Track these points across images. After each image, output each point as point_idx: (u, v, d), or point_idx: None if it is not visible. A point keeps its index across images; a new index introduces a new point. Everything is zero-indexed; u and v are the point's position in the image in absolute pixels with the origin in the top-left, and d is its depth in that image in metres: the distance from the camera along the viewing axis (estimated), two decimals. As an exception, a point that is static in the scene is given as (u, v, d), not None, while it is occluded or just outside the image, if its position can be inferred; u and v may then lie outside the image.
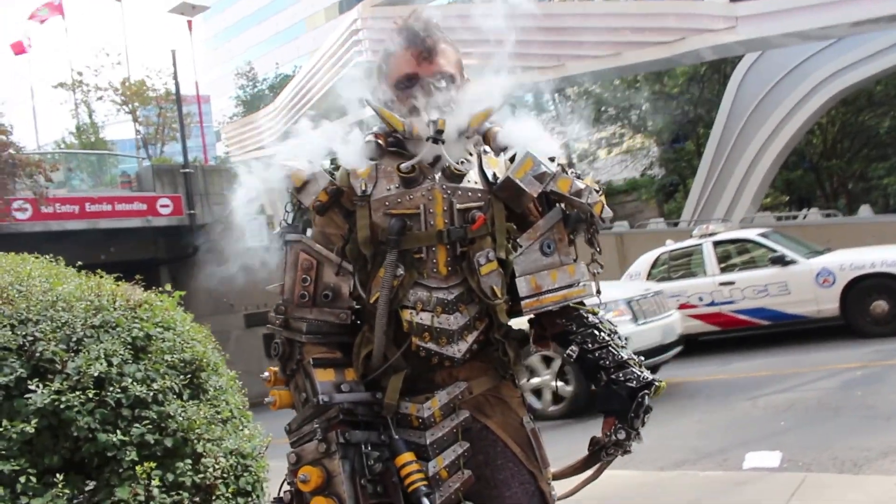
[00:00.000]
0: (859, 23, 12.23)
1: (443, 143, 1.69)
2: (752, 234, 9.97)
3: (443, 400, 1.73)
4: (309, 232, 1.86)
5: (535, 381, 6.89)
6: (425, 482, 1.62)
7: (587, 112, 27.48)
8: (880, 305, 8.60)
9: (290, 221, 1.80)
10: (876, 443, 4.66)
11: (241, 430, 2.41)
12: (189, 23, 20.90)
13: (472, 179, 1.76)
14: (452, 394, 1.74)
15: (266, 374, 1.80)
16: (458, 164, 1.74)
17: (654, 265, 10.26)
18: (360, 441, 1.64)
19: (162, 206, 18.29)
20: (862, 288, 8.59)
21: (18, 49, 26.95)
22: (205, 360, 2.45)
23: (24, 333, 2.15)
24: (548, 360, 6.84)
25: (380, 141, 1.74)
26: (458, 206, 1.73)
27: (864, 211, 15.91)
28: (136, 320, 2.38)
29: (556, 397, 6.86)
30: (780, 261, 9.07)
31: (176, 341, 2.43)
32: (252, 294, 16.05)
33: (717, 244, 9.75)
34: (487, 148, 1.82)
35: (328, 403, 1.64)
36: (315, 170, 1.76)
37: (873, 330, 8.49)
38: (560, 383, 6.85)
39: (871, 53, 15.09)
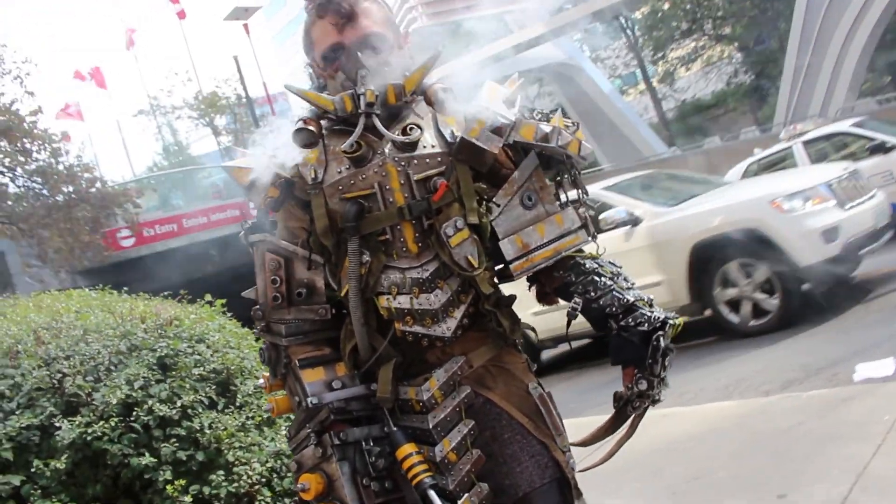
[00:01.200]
0: None
1: (376, 115, 1.55)
2: (844, 125, 9.25)
3: (441, 379, 1.61)
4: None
5: (732, 292, 6.09)
6: (429, 473, 1.52)
7: (660, 33, 26.33)
8: None
9: (251, 222, 1.73)
10: None
11: (281, 431, 2.40)
12: (245, 26, 21.25)
13: (429, 143, 1.61)
14: (450, 370, 1.62)
15: (261, 381, 1.75)
16: (408, 129, 1.61)
17: (743, 177, 9.68)
18: (359, 438, 1.56)
19: (253, 208, 18.86)
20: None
21: (99, 81, 28.16)
22: (236, 368, 2.44)
23: (54, 371, 2.19)
24: (748, 269, 6.04)
25: (310, 126, 1.59)
26: (416, 176, 1.58)
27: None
28: (163, 339, 2.39)
29: (758, 310, 6.07)
30: (881, 149, 8.34)
31: (206, 353, 2.42)
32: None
33: (807, 144, 9.09)
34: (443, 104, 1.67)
35: (318, 405, 1.57)
36: (261, 163, 1.67)
37: None
38: (763, 295, 5.99)
39: None
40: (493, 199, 1.60)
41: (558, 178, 1.71)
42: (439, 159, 1.60)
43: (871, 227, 6.18)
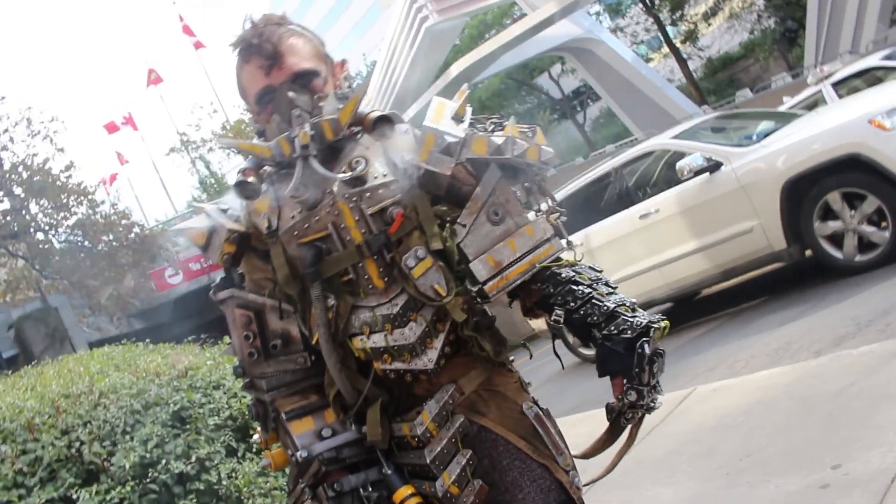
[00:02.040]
0: None
1: (314, 157, 1.50)
2: (874, 59, 8.88)
3: (433, 410, 1.55)
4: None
5: (835, 225, 5.64)
6: None
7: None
8: None
9: (220, 278, 1.70)
10: None
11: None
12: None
13: (379, 173, 1.55)
14: (442, 400, 1.57)
15: (256, 436, 1.73)
16: (353, 163, 1.56)
17: (774, 130, 9.36)
18: (356, 486, 1.53)
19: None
20: None
21: (132, 124, 28.80)
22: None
23: (73, 440, 2.21)
24: (852, 200, 5.55)
25: (249, 178, 1.55)
26: (370, 210, 1.52)
27: None
28: (177, 391, 2.40)
29: (866, 244, 5.57)
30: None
31: (222, 400, 2.42)
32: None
33: (838, 85, 8.74)
34: (388, 132, 1.61)
35: (308, 459, 1.54)
36: (214, 220, 1.64)
37: None
38: (871, 228, 5.54)
39: None
40: (458, 220, 1.53)
41: (527, 186, 1.64)
42: (392, 188, 1.53)
43: None
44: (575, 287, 1.55)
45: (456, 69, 23.66)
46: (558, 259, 1.59)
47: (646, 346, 1.48)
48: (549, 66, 32.82)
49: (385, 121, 1.56)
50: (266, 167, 1.60)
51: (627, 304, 1.54)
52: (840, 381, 3.62)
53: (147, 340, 3.44)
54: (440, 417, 1.55)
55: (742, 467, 3.20)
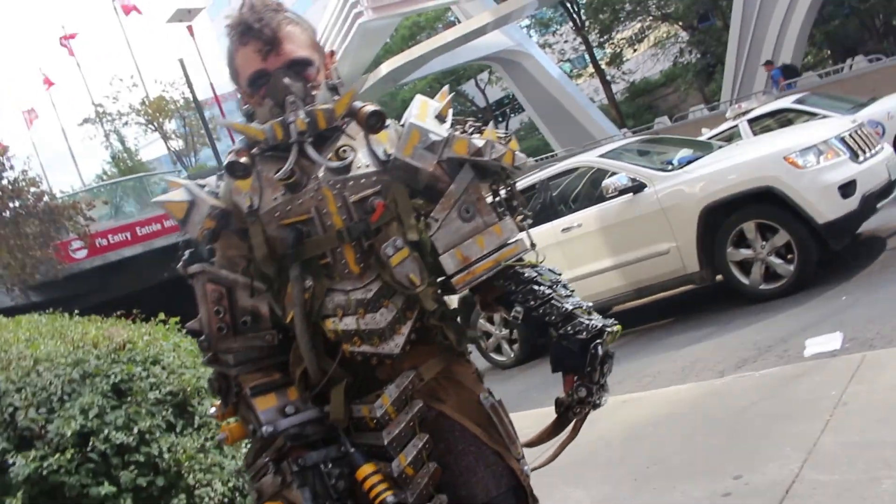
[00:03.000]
0: None
1: (309, 142, 1.57)
2: (787, 102, 9.46)
3: (393, 394, 1.62)
4: None
5: (746, 253, 5.92)
6: (390, 491, 1.55)
7: (606, 15, 26.53)
8: (938, 148, 8.04)
9: (186, 255, 1.71)
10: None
11: (242, 449, 2.40)
12: (189, 28, 20.87)
13: (363, 163, 1.61)
14: (402, 385, 1.64)
15: (213, 409, 1.75)
16: (340, 152, 1.62)
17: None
18: (318, 461, 1.57)
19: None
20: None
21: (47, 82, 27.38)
22: (192, 388, 2.43)
23: (6, 404, 2.16)
24: (765, 231, 5.87)
25: (242, 158, 1.57)
26: (353, 198, 1.58)
27: (914, 46, 14.92)
28: (117, 363, 2.37)
29: (772, 274, 5.91)
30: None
31: (162, 376, 2.41)
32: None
33: (753, 122, 9.28)
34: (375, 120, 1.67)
35: (273, 433, 1.58)
36: (195, 195, 1.66)
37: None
38: (779, 260, 5.84)
39: None
40: (431, 215, 1.62)
41: (494, 188, 1.73)
42: (374, 179, 1.60)
43: (884, 179, 6.09)
44: (536, 287, 1.66)
45: (386, 68, 23.65)
46: (521, 259, 1.70)
47: (599, 347, 1.61)
48: (476, 73, 33.21)
49: (378, 115, 1.62)
50: (255, 149, 1.63)
51: (584, 308, 1.66)
52: (742, 399, 3.89)
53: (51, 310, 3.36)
54: (399, 402, 1.62)
55: (650, 474, 3.40)
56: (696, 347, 5.50)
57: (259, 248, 1.60)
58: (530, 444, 1.77)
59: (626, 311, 7.53)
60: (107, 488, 2.04)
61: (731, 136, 9.59)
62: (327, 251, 1.59)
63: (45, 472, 2.00)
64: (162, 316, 3.00)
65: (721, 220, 6.09)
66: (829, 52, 22.33)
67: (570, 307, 1.64)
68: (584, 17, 28.14)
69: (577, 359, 1.62)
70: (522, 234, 1.71)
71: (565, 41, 31.19)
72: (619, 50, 28.59)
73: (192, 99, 20.78)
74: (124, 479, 2.08)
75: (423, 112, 1.67)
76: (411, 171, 1.61)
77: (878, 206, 6.03)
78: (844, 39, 21.38)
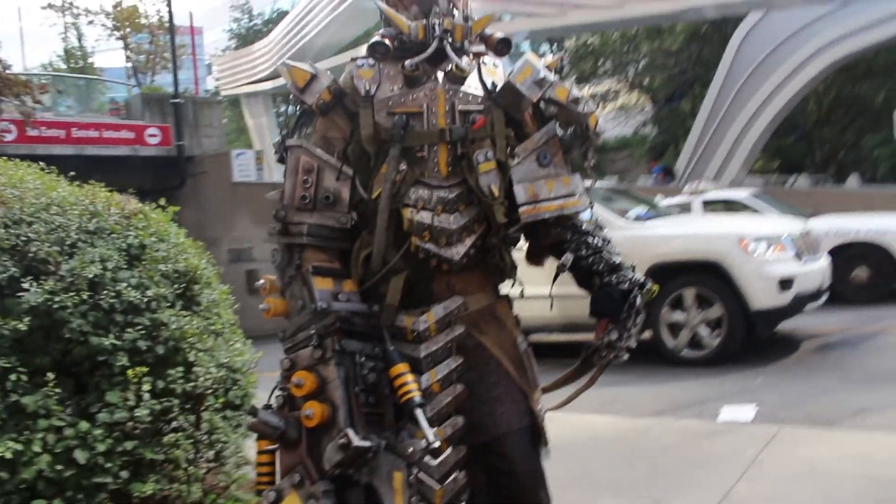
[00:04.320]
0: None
1: (449, 43, 1.71)
2: (742, 194, 10.00)
3: (439, 314, 1.74)
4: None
5: (678, 317, 6.23)
6: (419, 393, 1.63)
7: (585, 65, 27.25)
8: (861, 273, 8.69)
9: (290, 127, 1.80)
10: (848, 402, 4.77)
11: (232, 344, 2.42)
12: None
13: (473, 85, 1.79)
14: (449, 308, 1.76)
15: (261, 281, 1.80)
16: (458, 67, 1.74)
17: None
18: (356, 350, 1.66)
19: (150, 135, 18.02)
20: (845, 255, 8.65)
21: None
22: (198, 273, 2.44)
23: (17, 233, 2.12)
24: (702, 301, 6.21)
25: (387, 41, 1.74)
26: (460, 107, 1.75)
27: (853, 180, 15.98)
28: (131, 228, 2.36)
29: (697, 343, 6.23)
30: None
31: (170, 252, 2.41)
32: (236, 229, 15.96)
33: (706, 203, 9.76)
34: (486, 59, 1.84)
35: (326, 310, 1.65)
36: (318, 71, 1.78)
37: (853, 296, 8.57)
38: (707, 331, 6.20)
39: (873, 21, 14.93)
40: (515, 149, 1.78)
41: (570, 154, 1.87)
42: (480, 100, 1.77)
43: (817, 285, 6.55)
44: (590, 239, 1.85)
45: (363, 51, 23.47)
46: (579, 213, 1.85)
47: (637, 298, 1.76)
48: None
49: (506, 42, 1.82)
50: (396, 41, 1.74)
51: (629, 265, 1.82)
52: (665, 440, 4.13)
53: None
54: (442, 322, 1.74)
55: (573, 484, 3.55)
56: (616, 389, 5.72)
57: (366, 128, 1.73)
58: (550, 388, 1.90)
59: (553, 344, 7.76)
60: (110, 340, 2.03)
61: (682, 211, 10.09)
62: (426, 145, 1.73)
63: (55, 307, 1.97)
64: (163, 201, 2.98)
65: (665, 280, 6.41)
66: (777, 163, 23.66)
67: (618, 261, 1.82)
68: (565, 62, 28.78)
69: (616, 305, 1.77)
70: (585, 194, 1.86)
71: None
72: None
73: (167, 19, 20.12)
74: (127, 337, 2.07)
75: (536, 59, 1.82)
76: (516, 99, 1.78)
77: (805, 308, 6.49)
78: (792, 156, 22.71)
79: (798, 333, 7.17)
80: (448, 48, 1.71)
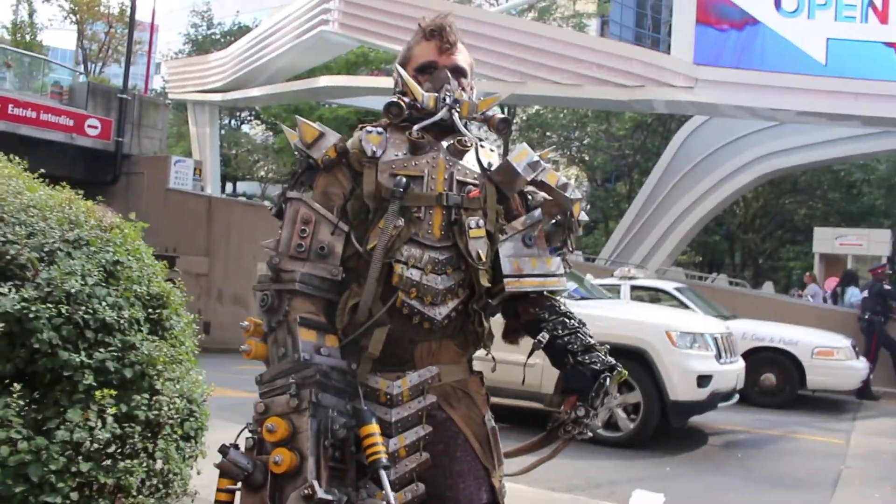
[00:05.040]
0: (803, 113, 13.06)
1: (458, 113, 1.85)
2: (669, 286, 10.41)
3: (413, 381, 1.80)
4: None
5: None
6: (386, 454, 1.68)
7: (533, 133, 28.05)
8: (770, 378, 9.15)
9: (293, 182, 1.87)
10: (750, 501, 5.00)
11: (191, 374, 2.40)
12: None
13: (471, 162, 1.91)
14: (423, 377, 1.82)
15: (246, 323, 1.83)
16: (460, 142, 1.88)
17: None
18: (330, 405, 1.69)
19: (90, 126, 17.53)
20: (756, 359, 9.10)
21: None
22: (169, 298, 2.43)
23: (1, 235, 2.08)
24: (622, 386, 6.38)
25: (402, 102, 1.85)
26: (458, 177, 1.86)
27: (768, 287, 16.87)
28: (110, 244, 2.34)
29: (613, 424, 6.51)
30: None
31: (143, 272, 2.39)
32: (162, 235, 15.57)
33: (634, 288, 10.12)
34: (484, 143, 1.98)
35: (308, 362, 1.69)
36: (326, 130, 1.86)
37: (760, 400, 9.01)
38: (623, 414, 6.51)
39: (805, 144, 16.10)
40: (504, 227, 1.90)
41: (552, 243, 2.00)
42: (476, 176, 1.90)
43: (732, 385, 6.90)
44: (567, 320, 1.96)
45: (325, 81, 23.62)
46: (555, 292, 1.97)
47: (608, 379, 1.87)
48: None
49: (507, 122, 1.96)
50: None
51: (602, 347, 1.94)
52: (576, 517, 4.24)
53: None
54: (416, 389, 1.81)
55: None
56: (530, 458, 5.84)
57: (369, 185, 1.82)
58: (513, 454, 1.98)
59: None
60: (80, 357, 2.00)
61: (609, 292, 10.43)
62: (423, 207, 1.83)
63: (29, 315, 1.94)
64: (133, 216, 2.95)
65: (589, 360, 6.60)
66: (700, 258, 24.77)
67: (592, 342, 1.93)
68: (513, 128, 29.58)
69: (586, 383, 1.87)
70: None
71: (486, 136, 32.55)
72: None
73: (128, 12, 19.80)
74: (97, 356, 2.04)
75: (529, 147, 1.96)
76: (512, 177, 1.91)
77: (719, 405, 6.79)
78: (714, 253, 23.86)
79: (707, 427, 7.48)
80: (456, 118, 1.84)
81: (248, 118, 36.14)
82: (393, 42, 22.49)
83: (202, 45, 35.56)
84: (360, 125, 1.96)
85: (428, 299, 1.80)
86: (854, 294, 12.90)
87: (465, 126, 1.94)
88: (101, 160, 17.51)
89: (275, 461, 1.60)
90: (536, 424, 7.07)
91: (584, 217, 2.02)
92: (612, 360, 1.92)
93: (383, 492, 1.64)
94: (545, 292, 1.95)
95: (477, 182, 1.88)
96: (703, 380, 6.46)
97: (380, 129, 1.87)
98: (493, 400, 1.99)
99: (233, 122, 35.59)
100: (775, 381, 9.13)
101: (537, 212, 1.95)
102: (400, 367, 1.82)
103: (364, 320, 1.79)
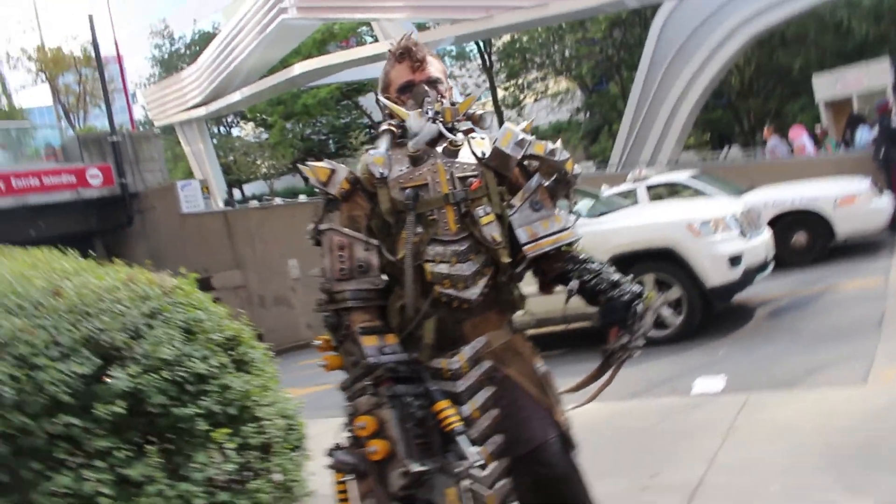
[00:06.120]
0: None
1: (441, 122, 2.13)
2: (682, 176, 10.58)
3: (467, 354, 2.09)
4: None
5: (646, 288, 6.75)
6: (460, 422, 1.97)
7: (515, 61, 27.85)
8: (800, 238, 9.36)
9: (319, 217, 2.15)
10: (803, 363, 5.29)
11: (279, 394, 2.75)
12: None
13: (466, 156, 2.18)
14: (475, 348, 2.12)
15: (318, 342, 2.15)
16: (452, 143, 2.16)
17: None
18: (404, 393, 1.97)
19: (92, 176, 17.89)
20: (783, 223, 9.30)
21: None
22: (242, 336, 2.76)
23: (90, 327, 2.41)
24: (661, 285, 6.76)
25: (392, 128, 2.15)
26: (458, 174, 2.14)
27: (780, 147, 16.88)
28: (178, 305, 2.67)
29: (659, 323, 6.66)
30: None
31: (214, 321, 2.72)
32: (191, 258, 15.97)
33: (650, 188, 10.31)
34: (474, 134, 2.24)
35: (376, 364, 1.98)
36: (335, 166, 2.15)
37: (795, 260, 9.23)
38: (668, 311, 6.74)
39: (782, -2, 15.94)
40: (511, 201, 2.17)
41: (556, 199, 2.28)
42: (473, 167, 2.17)
43: (763, 257, 7.11)
44: (589, 265, 2.23)
45: (299, 68, 23.65)
46: (571, 244, 2.24)
47: (639, 305, 2.16)
48: (376, 88, 33.68)
49: (489, 115, 2.26)
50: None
51: (627, 279, 2.22)
52: (646, 420, 4.58)
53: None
54: (472, 360, 2.11)
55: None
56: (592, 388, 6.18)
57: (384, 203, 2.11)
58: (574, 389, 2.29)
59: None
60: (190, 409, 2.35)
61: (626, 197, 10.64)
62: (434, 209, 2.11)
63: (142, 388, 2.28)
64: (183, 269, 3.27)
65: (624, 269, 6.89)
66: (708, 136, 24.68)
67: (617, 278, 2.21)
68: (493, 59, 29.39)
69: (621, 314, 2.16)
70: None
71: (469, 76, 32.33)
72: (522, 95, 29.95)
73: (93, 57, 19.93)
74: (203, 404, 2.39)
75: (514, 126, 2.24)
76: (504, 160, 2.18)
77: (756, 279, 7.06)
78: (721, 128, 23.75)
79: (751, 302, 7.74)
80: (441, 127, 2.11)
81: (236, 121, 36.27)
82: (352, 12, 22.43)
83: (170, 62, 35.60)
84: (366, 149, 2.23)
85: (461, 285, 2.08)
86: (864, 134, 12.91)
87: (452, 129, 2.21)
88: (111, 206, 17.89)
89: (371, 452, 1.91)
90: (586, 340, 7.42)
91: (577, 170, 2.29)
92: (638, 287, 2.19)
93: (466, 451, 1.97)
94: (562, 247, 2.23)
95: (476, 173, 2.15)
96: (734, 260, 6.70)
97: (382, 151, 2.14)
98: (548, 329, 2.23)
99: (221, 129, 35.79)
100: (806, 240, 9.34)
101: (534, 179, 2.20)
102: (454, 346, 2.12)
103: (413, 316, 2.10)
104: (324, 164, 2.17)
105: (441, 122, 2.14)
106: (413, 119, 2.13)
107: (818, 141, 15.30)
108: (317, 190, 2.20)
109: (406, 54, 2.22)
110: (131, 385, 2.26)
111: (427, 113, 2.13)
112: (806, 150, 14.30)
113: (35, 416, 2.14)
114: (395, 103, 2.22)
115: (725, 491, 3.29)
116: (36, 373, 2.18)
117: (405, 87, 2.21)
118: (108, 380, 2.26)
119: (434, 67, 2.25)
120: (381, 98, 2.25)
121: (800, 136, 14.56)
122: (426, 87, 2.18)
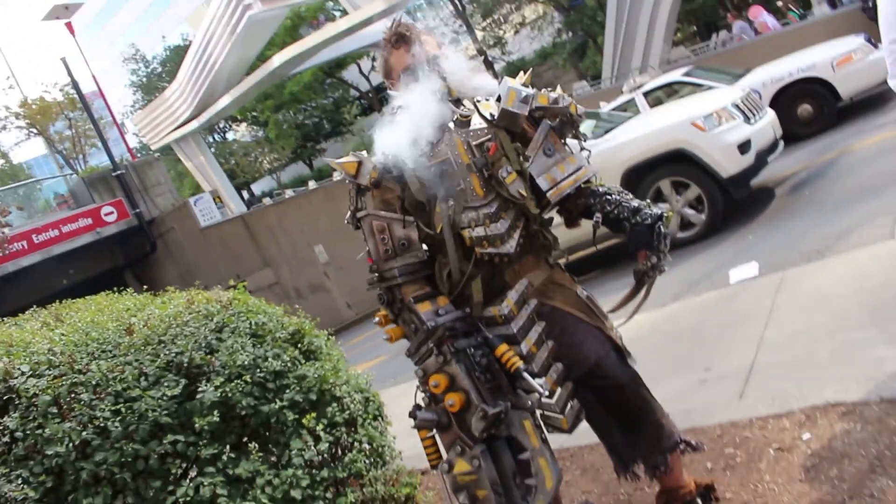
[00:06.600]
0: None
1: (451, 100, 2.30)
2: (676, 75, 10.56)
3: (514, 298, 2.28)
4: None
5: (663, 206, 6.91)
6: (521, 361, 2.16)
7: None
8: (806, 108, 9.36)
9: (354, 206, 2.31)
10: (830, 230, 5.40)
11: (350, 371, 2.97)
12: (69, 25, 20.13)
13: (477, 122, 2.35)
14: (520, 290, 2.30)
15: (377, 318, 2.34)
16: (462, 114, 2.32)
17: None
18: (465, 346, 2.16)
19: (106, 214, 18.18)
20: (786, 97, 9.31)
21: None
22: (303, 327, 2.98)
23: (168, 352, 2.63)
24: (679, 187, 6.95)
25: None
26: (474, 142, 2.30)
27: (770, 18, 16.64)
28: (241, 315, 2.88)
29: (686, 224, 6.98)
30: None
31: (275, 320, 2.94)
32: (221, 268, 16.28)
33: (647, 94, 10.32)
34: (478, 98, 2.39)
35: (435, 326, 2.17)
36: (361, 157, 2.30)
37: (804, 132, 9.26)
38: (691, 211, 6.94)
39: None
40: (526, 153, 2.32)
41: (565, 137, 2.43)
42: (486, 131, 2.32)
43: (772, 138, 7.22)
44: (609, 196, 2.39)
45: (278, 60, 23.61)
46: (589, 181, 2.40)
47: (661, 227, 2.32)
48: (357, 59, 33.59)
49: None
50: None
51: (646, 203, 2.37)
52: (691, 318, 4.76)
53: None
54: (519, 302, 2.29)
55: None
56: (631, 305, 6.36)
57: (413, 184, 2.28)
58: (615, 309, 2.48)
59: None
60: (276, 404, 2.57)
61: (626, 108, 10.66)
62: (461, 180, 2.27)
63: (229, 395, 2.50)
64: (232, 281, 3.48)
65: (640, 179, 7.03)
66: (695, 27, 24.30)
67: (637, 204, 2.37)
68: (465, 2, 29.06)
69: (647, 238, 2.32)
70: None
71: (446, 24, 32.00)
72: (501, 32, 29.63)
73: (77, 98, 20.09)
74: (286, 397, 2.61)
75: (514, 82, 2.36)
76: (512, 119, 2.32)
77: (768, 160, 7.14)
78: (706, 15, 23.36)
79: (770, 183, 7.83)
80: (450, 104, 2.29)
81: (228, 125, 36.38)
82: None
83: (150, 85, 35.67)
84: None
85: (498, 243, 2.25)
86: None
87: (458, 101, 2.36)
88: (132, 237, 18.20)
89: (449, 404, 2.11)
90: (617, 254, 7.58)
91: (581, 109, 2.43)
92: (658, 209, 2.34)
93: (532, 385, 2.17)
94: (581, 185, 2.38)
95: (489, 136, 2.31)
96: (743, 147, 6.79)
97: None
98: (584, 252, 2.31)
99: (216, 136, 35.94)
100: (812, 109, 9.34)
101: (544, 122, 2.35)
102: (500, 295, 2.32)
103: (459, 278, 2.29)
104: (349, 158, 2.32)
105: (449, 100, 2.30)
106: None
107: (783, 14, 15.03)
108: (347, 182, 2.36)
109: (401, 40, 2.37)
110: (219, 395, 2.47)
111: (436, 94, 2.26)
112: (769, 27, 14.11)
113: (143, 441, 2.36)
114: (396, 88, 2.38)
115: (777, 368, 3.47)
116: (134, 404, 2.40)
117: (407, 70, 2.34)
118: (198, 395, 2.48)
119: (429, 44, 2.39)
120: (390, 91, 2.41)
121: (759, 15, 14.38)
122: (427, 67, 2.31)
